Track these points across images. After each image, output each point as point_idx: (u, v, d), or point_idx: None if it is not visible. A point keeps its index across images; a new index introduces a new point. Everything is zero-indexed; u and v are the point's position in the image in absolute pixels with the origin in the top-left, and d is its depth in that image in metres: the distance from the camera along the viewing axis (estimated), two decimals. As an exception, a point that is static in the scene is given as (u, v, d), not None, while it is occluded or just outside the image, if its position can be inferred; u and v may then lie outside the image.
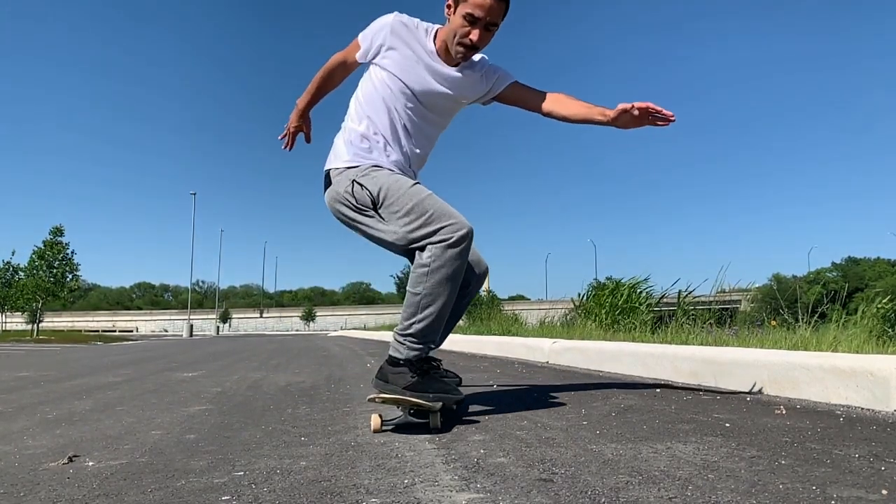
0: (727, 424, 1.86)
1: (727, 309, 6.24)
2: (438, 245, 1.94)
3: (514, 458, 1.50)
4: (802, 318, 3.87)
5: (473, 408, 2.38)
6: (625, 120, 2.11)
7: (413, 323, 1.98)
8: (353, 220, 2.14)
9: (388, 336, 15.36)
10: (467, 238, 1.96)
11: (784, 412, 2.03)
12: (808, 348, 3.04)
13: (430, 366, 2.05)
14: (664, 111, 2.06)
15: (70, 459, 1.62)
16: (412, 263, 2.09)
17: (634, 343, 3.93)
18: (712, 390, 2.69)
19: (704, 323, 5.12)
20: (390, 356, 2.02)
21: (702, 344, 3.60)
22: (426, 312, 1.98)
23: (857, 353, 2.69)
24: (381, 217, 2.06)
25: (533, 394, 2.79)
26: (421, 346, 2.00)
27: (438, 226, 1.96)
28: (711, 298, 5.86)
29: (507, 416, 2.16)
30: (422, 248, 1.98)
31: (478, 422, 2.05)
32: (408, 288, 2.01)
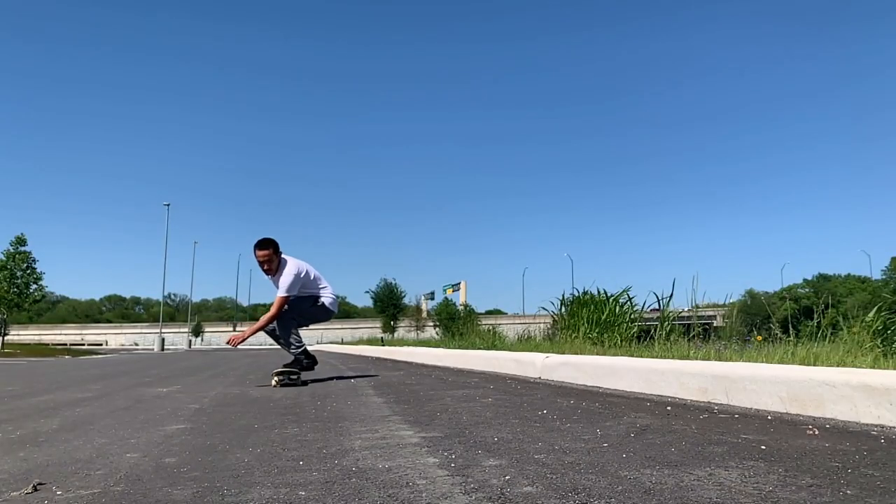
0: (763, 447, 1.72)
1: (703, 324, 6.20)
2: None
3: (543, 486, 1.34)
4: (791, 333, 3.80)
5: (474, 425, 2.21)
6: None
7: None
8: None
9: (367, 350, 15.05)
10: None
11: (816, 433, 1.90)
12: (817, 363, 2.93)
13: None
14: None
15: (35, 488, 1.43)
16: None
17: (634, 358, 3.80)
18: (727, 408, 2.55)
19: (691, 338, 5.01)
20: None
21: (705, 359, 3.48)
22: None
23: (873, 367, 2.58)
24: None
25: (537, 412, 2.63)
26: None
27: None
28: (689, 313, 5.80)
29: (516, 436, 2.00)
30: None
31: (485, 443, 1.89)
32: None
